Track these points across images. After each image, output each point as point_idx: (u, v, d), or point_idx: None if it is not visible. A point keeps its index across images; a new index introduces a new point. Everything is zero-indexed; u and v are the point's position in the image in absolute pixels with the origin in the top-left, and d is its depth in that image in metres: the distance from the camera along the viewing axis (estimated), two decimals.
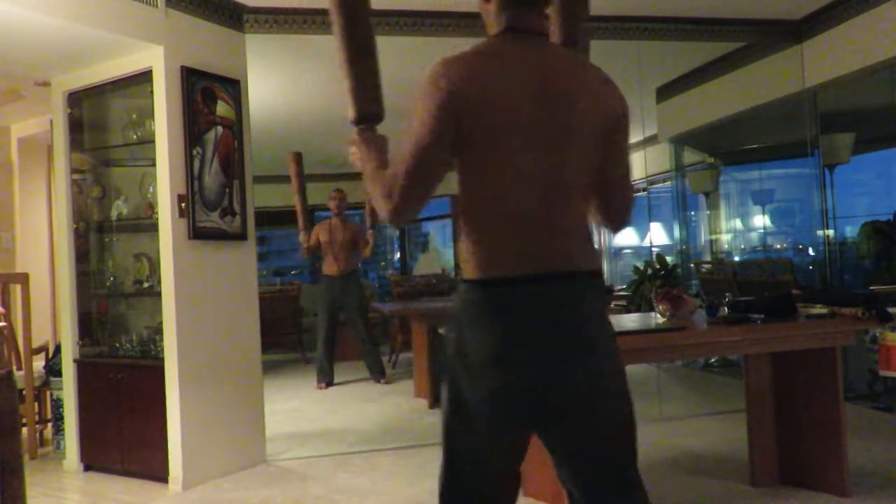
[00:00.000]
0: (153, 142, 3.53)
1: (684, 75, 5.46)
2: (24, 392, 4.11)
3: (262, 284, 7.33)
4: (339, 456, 3.91)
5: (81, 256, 3.96)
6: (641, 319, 2.99)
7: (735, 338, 2.62)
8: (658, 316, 2.84)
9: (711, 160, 6.54)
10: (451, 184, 1.56)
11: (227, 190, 3.72)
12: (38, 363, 4.46)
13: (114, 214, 3.94)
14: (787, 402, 3.03)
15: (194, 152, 3.55)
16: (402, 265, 10.76)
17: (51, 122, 4.09)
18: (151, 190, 3.74)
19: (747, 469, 3.11)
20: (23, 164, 5.59)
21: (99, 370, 3.78)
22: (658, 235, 7.30)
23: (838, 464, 2.84)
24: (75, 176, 3.97)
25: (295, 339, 7.75)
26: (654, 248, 6.96)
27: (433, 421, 4.64)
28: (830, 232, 4.98)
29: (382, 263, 11.70)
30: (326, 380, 5.99)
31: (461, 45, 1.55)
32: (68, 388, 3.89)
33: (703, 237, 6.80)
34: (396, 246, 11.29)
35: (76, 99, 3.91)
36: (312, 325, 8.06)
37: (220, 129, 3.69)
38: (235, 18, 3.82)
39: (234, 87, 3.77)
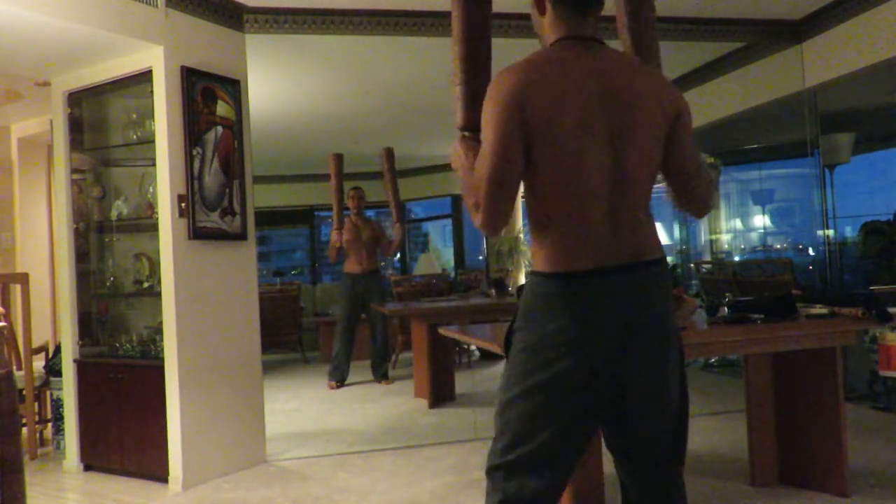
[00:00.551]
0: (153, 142, 3.53)
1: (684, 75, 5.46)
2: (24, 392, 4.10)
3: (262, 284, 7.35)
4: (339, 456, 3.91)
5: (81, 256, 3.96)
6: None
7: (735, 338, 2.62)
8: None
9: (711, 160, 6.53)
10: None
11: (227, 190, 3.72)
12: (38, 363, 4.46)
13: (114, 214, 3.94)
14: (787, 402, 3.03)
15: (194, 152, 3.55)
16: (402, 265, 10.76)
17: (51, 122, 4.09)
18: (151, 190, 3.74)
19: (747, 469, 3.11)
20: (23, 164, 5.59)
21: (99, 370, 3.78)
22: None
23: (838, 464, 2.84)
24: (75, 176, 3.97)
25: (295, 339, 7.74)
26: None
27: (433, 421, 4.65)
28: (830, 232, 4.98)
29: (382, 263, 11.69)
30: (341, 378, 5.97)
31: None
32: (68, 388, 3.89)
33: (703, 237, 6.80)
34: None
35: (76, 99, 3.91)
36: (312, 325, 8.08)
37: (220, 129, 3.69)
38: (235, 18, 3.82)
39: (234, 87, 3.77)
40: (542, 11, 1.65)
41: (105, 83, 3.74)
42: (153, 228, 3.60)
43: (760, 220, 7.08)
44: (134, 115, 3.87)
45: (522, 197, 1.66)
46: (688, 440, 1.66)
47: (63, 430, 4.03)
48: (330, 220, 6.18)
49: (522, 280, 7.85)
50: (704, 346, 2.69)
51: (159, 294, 3.53)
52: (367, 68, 5.01)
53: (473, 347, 6.75)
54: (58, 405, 4.22)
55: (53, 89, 3.93)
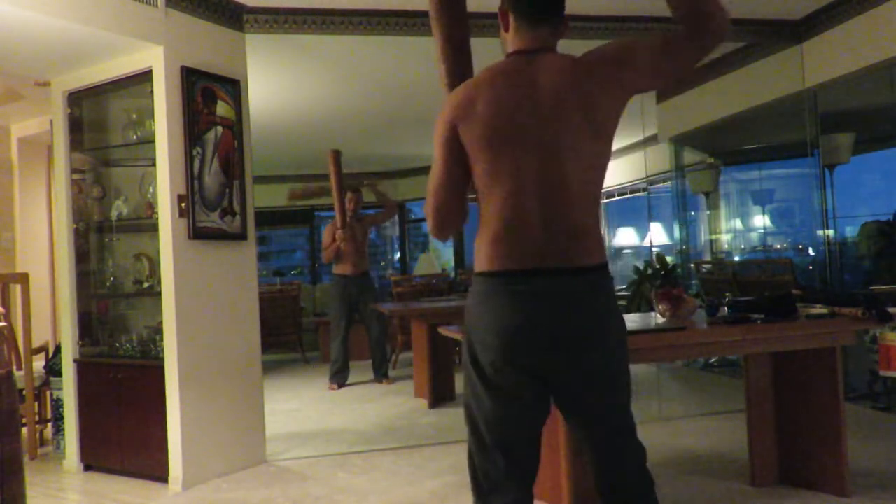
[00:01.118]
0: (153, 142, 3.53)
1: None
2: (24, 392, 4.11)
3: (262, 284, 7.35)
4: (339, 456, 3.91)
5: (81, 256, 3.96)
6: (641, 319, 2.99)
7: (735, 338, 2.62)
8: (658, 316, 2.84)
9: (711, 160, 6.54)
10: None
11: (227, 190, 3.72)
12: (38, 363, 4.46)
13: (114, 214, 3.94)
14: (787, 402, 3.03)
15: (194, 152, 3.55)
16: (402, 265, 10.76)
17: (51, 122, 4.08)
18: (151, 190, 3.74)
19: (747, 469, 3.10)
20: (23, 164, 5.59)
21: (99, 370, 3.78)
22: (658, 235, 7.30)
23: (838, 464, 2.84)
24: (75, 176, 3.97)
25: (295, 339, 7.75)
26: (654, 248, 6.96)
27: (433, 421, 4.65)
28: (830, 232, 4.98)
29: (382, 263, 11.70)
30: (341, 380, 5.99)
31: None
32: (68, 388, 3.89)
33: (703, 237, 6.80)
34: (396, 246, 11.29)
35: (76, 99, 3.91)
36: (312, 325, 8.07)
37: (220, 128, 3.69)
38: (235, 18, 3.82)
39: (234, 87, 3.77)
40: (506, 28, 1.74)
41: (105, 83, 3.74)
42: (153, 228, 3.60)
43: (760, 220, 7.07)
44: (134, 115, 3.86)
45: None
46: (630, 391, 1.70)
47: (63, 429, 4.03)
48: (330, 221, 6.17)
49: None
50: (704, 346, 2.69)
51: (159, 294, 3.53)
52: (367, 68, 5.01)
53: None
54: (58, 405, 4.22)
55: (53, 89, 3.93)
